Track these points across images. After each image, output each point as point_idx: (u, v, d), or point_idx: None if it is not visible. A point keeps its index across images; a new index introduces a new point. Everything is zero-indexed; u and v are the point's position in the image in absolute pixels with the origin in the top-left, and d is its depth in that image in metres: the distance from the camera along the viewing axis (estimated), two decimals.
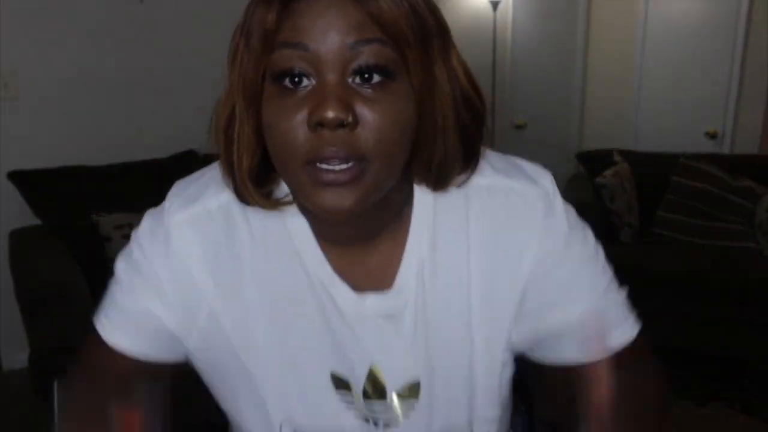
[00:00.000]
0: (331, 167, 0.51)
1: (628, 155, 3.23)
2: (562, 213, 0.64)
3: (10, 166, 2.35)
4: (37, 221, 2.37)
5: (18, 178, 2.31)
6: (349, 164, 0.51)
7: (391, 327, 0.61)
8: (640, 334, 0.66)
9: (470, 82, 0.58)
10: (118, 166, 2.50)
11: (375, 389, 0.63)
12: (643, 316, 2.59)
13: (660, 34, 3.51)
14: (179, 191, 0.66)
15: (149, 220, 0.65)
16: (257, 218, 0.61)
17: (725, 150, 3.38)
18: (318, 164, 0.51)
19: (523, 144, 4.02)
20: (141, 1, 2.62)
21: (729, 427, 2.26)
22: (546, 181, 0.65)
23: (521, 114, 4.02)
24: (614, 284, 0.66)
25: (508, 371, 0.66)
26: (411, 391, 0.63)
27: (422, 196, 0.62)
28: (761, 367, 2.65)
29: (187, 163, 2.61)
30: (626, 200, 2.96)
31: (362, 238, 0.62)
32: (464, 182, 0.60)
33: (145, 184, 2.49)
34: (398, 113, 0.52)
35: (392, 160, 0.53)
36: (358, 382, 0.62)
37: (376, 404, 0.63)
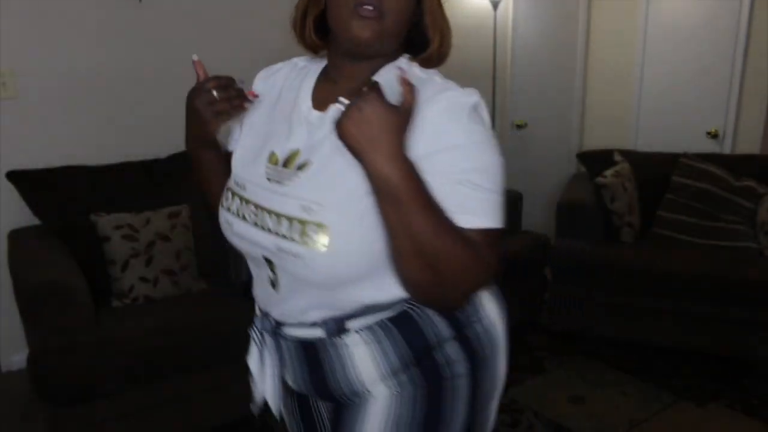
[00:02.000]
0: (365, 8, 0.86)
1: (628, 155, 3.23)
2: (481, 122, 0.88)
3: (10, 165, 2.35)
4: (36, 221, 2.36)
5: (17, 177, 2.31)
6: (375, 12, 0.86)
7: (321, 134, 0.92)
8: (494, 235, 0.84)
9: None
10: (117, 166, 2.49)
11: (287, 163, 0.94)
12: (643, 315, 2.60)
13: (660, 33, 3.51)
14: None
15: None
16: (303, 64, 1.06)
17: (726, 150, 3.37)
18: (358, 6, 0.86)
19: (524, 144, 4.02)
20: (140, 1, 2.62)
21: (729, 427, 2.26)
22: (476, 96, 0.88)
23: (521, 114, 4.02)
24: (487, 190, 0.84)
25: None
26: (300, 166, 0.93)
27: (392, 69, 0.92)
28: (761, 367, 2.65)
29: (186, 164, 2.60)
30: (627, 200, 2.96)
31: (349, 81, 0.95)
32: (434, 66, 0.95)
33: (143, 184, 2.48)
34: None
35: (397, 22, 0.89)
36: (282, 158, 0.95)
37: (282, 170, 0.94)
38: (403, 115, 0.81)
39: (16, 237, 2.36)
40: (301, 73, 1.03)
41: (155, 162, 2.56)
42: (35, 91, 2.47)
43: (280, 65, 1.07)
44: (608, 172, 3.02)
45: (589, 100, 3.92)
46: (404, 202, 0.78)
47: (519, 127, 4.02)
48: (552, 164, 3.97)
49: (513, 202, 3.07)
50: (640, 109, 3.66)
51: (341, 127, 0.79)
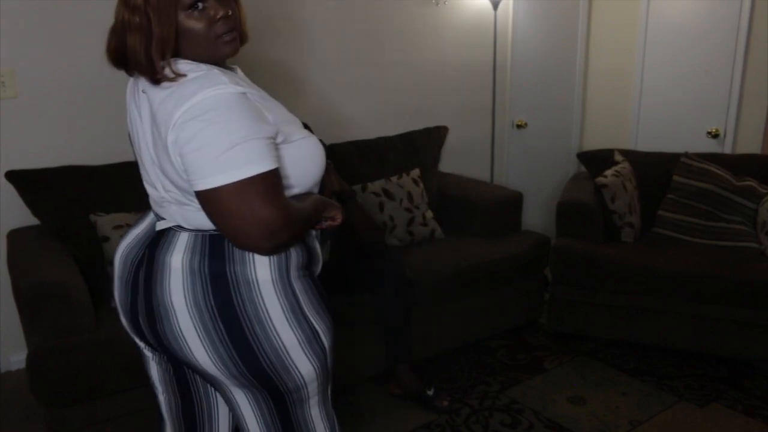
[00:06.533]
0: (231, 34, 1.17)
1: (629, 155, 3.22)
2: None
3: (9, 165, 2.35)
4: (35, 221, 2.36)
5: (16, 177, 2.31)
6: (235, 34, 1.18)
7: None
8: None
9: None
10: (117, 166, 2.49)
11: None
12: (643, 315, 2.60)
13: (660, 33, 3.50)
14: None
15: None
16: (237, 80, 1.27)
17: (727, 150, 3.36)
18: (222, 36, 1.16)
19: (524, 144, 4.01)
20: None
21: (730, 428, 2.25)
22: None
23: (521, 114, 4.01)
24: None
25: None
26: None
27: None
28: (762, 368, 2.64)
29: None
30: (627, 200, 2.96)
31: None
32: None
33: (143, 184, 2.48)
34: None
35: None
36: None
37: None
38: None
39: (15, 237, 2.36)
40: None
41: None
42: (35, 91, 2.47)
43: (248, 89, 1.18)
44: (609, 172, 3.01)
45: (589, 100, 3.91)
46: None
47: (519, 127, 4.01)
48: (552, 164, 3.97)
49: (513, 202, 3.07)
50: (641, 108, 3.66)
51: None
